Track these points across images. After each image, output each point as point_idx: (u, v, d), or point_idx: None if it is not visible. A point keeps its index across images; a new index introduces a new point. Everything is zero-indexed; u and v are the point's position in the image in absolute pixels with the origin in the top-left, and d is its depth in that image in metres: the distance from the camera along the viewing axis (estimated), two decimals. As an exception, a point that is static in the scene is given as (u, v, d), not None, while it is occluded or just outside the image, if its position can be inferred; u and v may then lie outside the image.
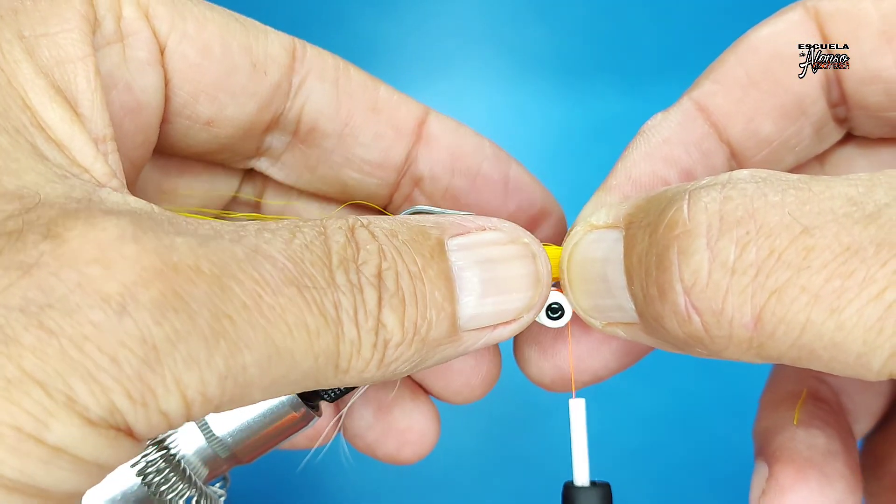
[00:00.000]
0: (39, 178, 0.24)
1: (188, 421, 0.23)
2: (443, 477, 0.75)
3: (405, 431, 0.37)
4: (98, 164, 0.26)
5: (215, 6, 0.31)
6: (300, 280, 0.24)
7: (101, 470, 0.22)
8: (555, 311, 0.32)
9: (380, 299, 0.26)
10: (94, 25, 0.28)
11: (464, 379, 0.36)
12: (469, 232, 0.30)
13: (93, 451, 0.21)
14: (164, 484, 0.30)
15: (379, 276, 0.26)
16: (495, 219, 0.31)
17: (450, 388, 0.37)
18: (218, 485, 0.33)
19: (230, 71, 0.31)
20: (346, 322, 0.25)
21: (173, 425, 0.22)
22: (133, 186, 0.33)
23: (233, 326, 0.22)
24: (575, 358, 0.34)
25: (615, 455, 0.75)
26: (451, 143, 0.35)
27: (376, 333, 0.26)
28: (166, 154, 0.35)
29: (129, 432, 0.22)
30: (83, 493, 0.22)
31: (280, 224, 0.26)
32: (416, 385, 0.37)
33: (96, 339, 0.21)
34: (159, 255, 0.22)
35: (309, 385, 0.25)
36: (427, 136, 0.34)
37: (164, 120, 0.32)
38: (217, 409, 0.23)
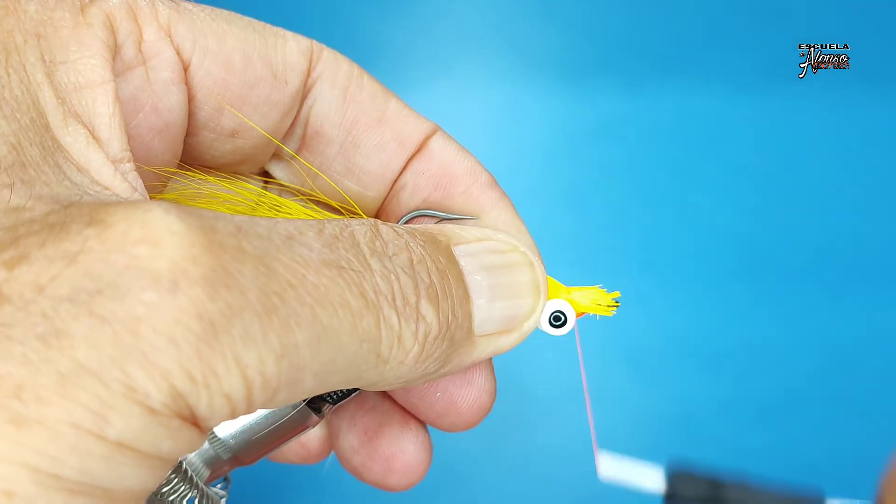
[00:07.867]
0: (69, 191, 0.24)
1: (249, 409, 0.22)
2: (442, 477, 0.76)
3: (390, 459, 0.36)
4: (118, 182, 0.26)
5: (232, 17, 0.31)
6: (338, 262, 0.24)
7: (164, 464, 0.21)
8: (557, 319, 0.32)
9: (416, 288, 0.26)
10: (115, 51, 0.28)
11: (457, 403, 0.35)
12: (470, 241, 0.30)
13: (156, 442, 0.20)
14: (166, 485, 0.30)
15: (412, 266, 0.27)
16: (489, 230, 0.32)
17: (436, 412, 0.35)
18: (219, 486, 0.33)
19: (253, 83, 0.31)
20: (385, 307, 0.25)
21: (236, 411, 0.22)
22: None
23: (282, 303, 0.22)
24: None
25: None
26: (445, 160, 0.34)
27: (416, 323, 0.26)
28: (190, 166, 0.34)
29: (192, 420, 0.21)
30: (146, 491, 0.21)
31: (305, 220, 0.26)
32: (405, 412, 0.36)
33: (150, 320, 0.20)
34: (204, 233, 0.22)
35: (351, 377, 0.25)
36: (425, 149, 0.34)
37: (189, 133, 0.32)
38: (274, 395, 0.22)
